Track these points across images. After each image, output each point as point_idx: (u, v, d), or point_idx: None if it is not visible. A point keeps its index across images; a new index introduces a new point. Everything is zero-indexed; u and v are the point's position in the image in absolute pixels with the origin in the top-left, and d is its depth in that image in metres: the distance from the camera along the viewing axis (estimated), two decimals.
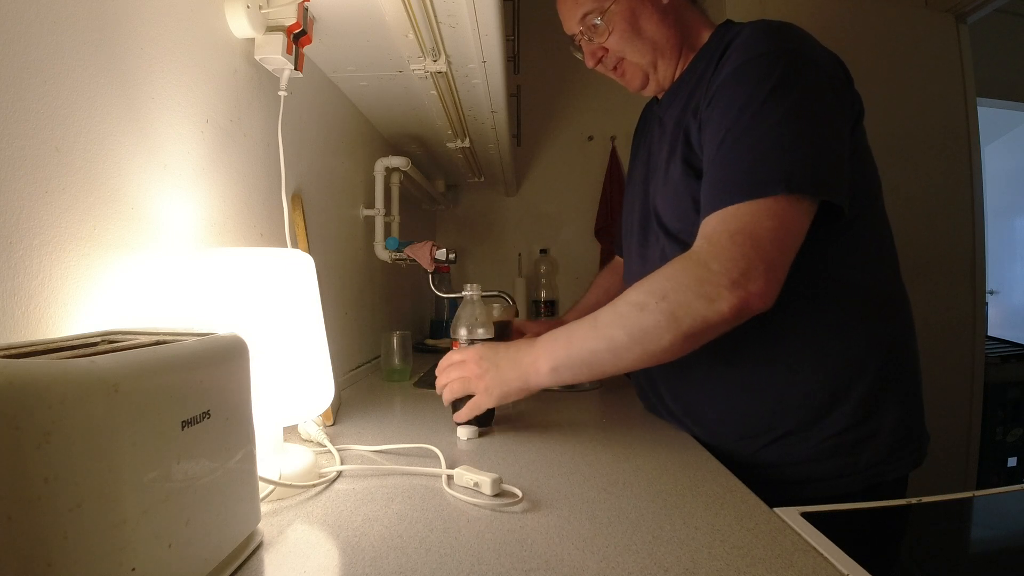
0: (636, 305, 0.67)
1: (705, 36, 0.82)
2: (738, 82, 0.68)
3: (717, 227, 0.65)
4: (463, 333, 0.90)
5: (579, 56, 0.88)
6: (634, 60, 0.82)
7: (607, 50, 0.83)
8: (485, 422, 0.85)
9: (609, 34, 0.80)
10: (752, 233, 0.63)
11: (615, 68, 0.85)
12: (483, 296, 0.95)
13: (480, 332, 0.90)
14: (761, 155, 0.64)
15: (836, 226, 0.70)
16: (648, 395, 0.92)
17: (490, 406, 0.79)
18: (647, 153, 0.92)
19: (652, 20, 0.79)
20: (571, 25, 0.84)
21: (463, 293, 0.92)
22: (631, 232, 0.93)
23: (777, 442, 0.73)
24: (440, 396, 0.83)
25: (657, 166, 0.84)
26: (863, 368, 0.72)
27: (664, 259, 0.78)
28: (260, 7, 0.76)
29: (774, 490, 0.60)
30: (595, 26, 0.81)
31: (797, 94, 0.66)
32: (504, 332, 1.05)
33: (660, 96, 0.89)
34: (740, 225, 0.64)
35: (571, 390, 1.12)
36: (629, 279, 0.92)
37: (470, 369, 0.79)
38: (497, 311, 1.03)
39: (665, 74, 0.83)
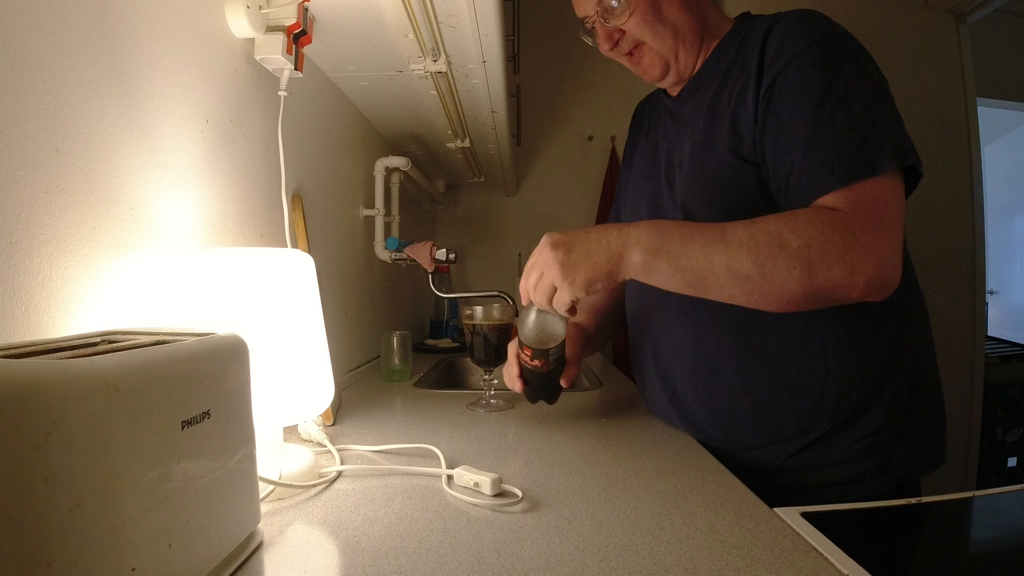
0: (776, 240, 0.60)
1: (724, 27, 0.80)
2: (812, 64, 0.66)
3: (856, 199, 0.62)
4: None
5: (589, 41, 0.84)
6: (654, 46, 0.78)
7: (624, 32, 0.78)
8: (551, 396, 0.84)
9: (630, 15, 0.76)
10: (886, 211, 0.61)
11: (631, 54, 0.80)
12: (482, 297, 0.92)
13: None
14: (866, 132, 0.63)
15: None
16: (658, 397, 0.86)
17: (573, 297, 0.67)
18: (652, 150, 0.89)
19: (674, 4, 0.77)
20: (586, 6, 0.80)
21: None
22: None
23: (812, 444, 0.72)
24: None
25: (681, 161, 0.81)
26: (897, 365, 0.72)
27: None
28: (260, 7, 0.76)
29: (805, 494, 0.58)
30: (612, 8, 0.77)
31: (874, 73, 0.67)
32: (505, 333, 1.04)
33: (673, 89, 0.85)
34: (876, 200, 0.61)
35: (571, 389, 1.12)
36: (637, 285, 0.89)
37: (543, 260, 0.67)
38: (497, 311, 1.03)
39: (686, 64, 0.80)
